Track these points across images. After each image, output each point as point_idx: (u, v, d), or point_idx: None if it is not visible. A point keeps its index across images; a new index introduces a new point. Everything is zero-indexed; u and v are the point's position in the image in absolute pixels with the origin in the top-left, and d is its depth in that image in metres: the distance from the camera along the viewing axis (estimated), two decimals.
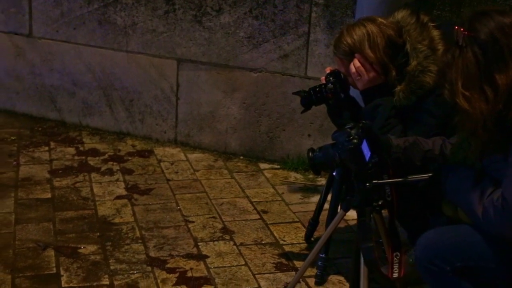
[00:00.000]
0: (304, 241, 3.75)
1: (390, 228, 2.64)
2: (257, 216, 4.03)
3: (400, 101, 3.05)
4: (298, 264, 3.53)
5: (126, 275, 3.40)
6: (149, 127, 5.00)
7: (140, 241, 3.71)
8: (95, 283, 3.33)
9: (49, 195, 4.16)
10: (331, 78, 3.23)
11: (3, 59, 5.26)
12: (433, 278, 2.56)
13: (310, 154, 2.87)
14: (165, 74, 4.85)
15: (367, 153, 2.59)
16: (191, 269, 3.47)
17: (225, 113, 4.77)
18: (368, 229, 2.54)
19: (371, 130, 2.66)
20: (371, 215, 2.63)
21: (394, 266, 2.56)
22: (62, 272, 3.40)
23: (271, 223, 3.95)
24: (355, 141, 2.62)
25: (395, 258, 2.55)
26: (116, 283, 3.33)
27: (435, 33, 3.04)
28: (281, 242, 3.76)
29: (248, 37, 4.59)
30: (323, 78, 3.29)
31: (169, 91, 4.88)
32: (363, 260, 2.61)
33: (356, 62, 3.10)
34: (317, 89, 3.28)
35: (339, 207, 3.25)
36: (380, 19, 3.12)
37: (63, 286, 3.29)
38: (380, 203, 2.62)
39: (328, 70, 3.29)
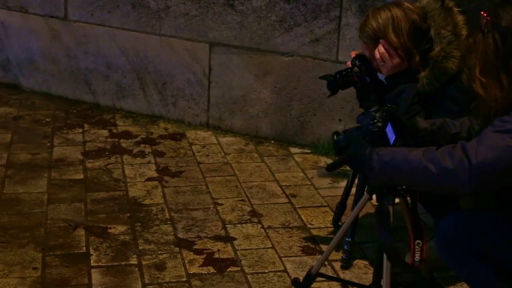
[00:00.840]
0: (331, 225, 3.76)
1: (412, 215, 2.63)
2: (286, 200, 4.05)
3: (424, 87, 3.03)
4: (324, 248, 3.53)
5: (154, 256, 3.44)
6: (182, 110, 5.03)
7: (169, 222, 3.75)
8: (123, 263, 3.38)
9: (81, 176, 4.22)
10: (357, 62, 3.23)
11: (39, 42, 5.33)
12: (455, 262, 2.55)
13: (335, 137, 2.87)
14: (198, 57, 4.88)
15: (391, 136, 2.57)
16: (218, 250, 3.51)
17: (257, 97, 4.79)
18: (386, 213, 2.53)
19: (396, 113, 2.65)
20: (395, 199, 2.62)
21: (416, 253, 2.53)
22: (91, 251, 3.46)
23: (300, 207, 3.97)
24: (379, 124, 2.60)
25: (416, 246, 2.53)
26: (144, 263, 3.38)
27: (460, 18, 3.02)
28: (309, 226, 3.78)
29: (280, 21, 4.59)
30: (349, 62, 3.29)
31: (201, 74, 4.90)
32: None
33: (381, 48, 3.09)
34: (343, 73, 3.27)
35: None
36: (406, 4, 3.10)
37: (92, 265, 3.35)
38: (404, 187, 2.61)
39: (353, 54, 3.29)
